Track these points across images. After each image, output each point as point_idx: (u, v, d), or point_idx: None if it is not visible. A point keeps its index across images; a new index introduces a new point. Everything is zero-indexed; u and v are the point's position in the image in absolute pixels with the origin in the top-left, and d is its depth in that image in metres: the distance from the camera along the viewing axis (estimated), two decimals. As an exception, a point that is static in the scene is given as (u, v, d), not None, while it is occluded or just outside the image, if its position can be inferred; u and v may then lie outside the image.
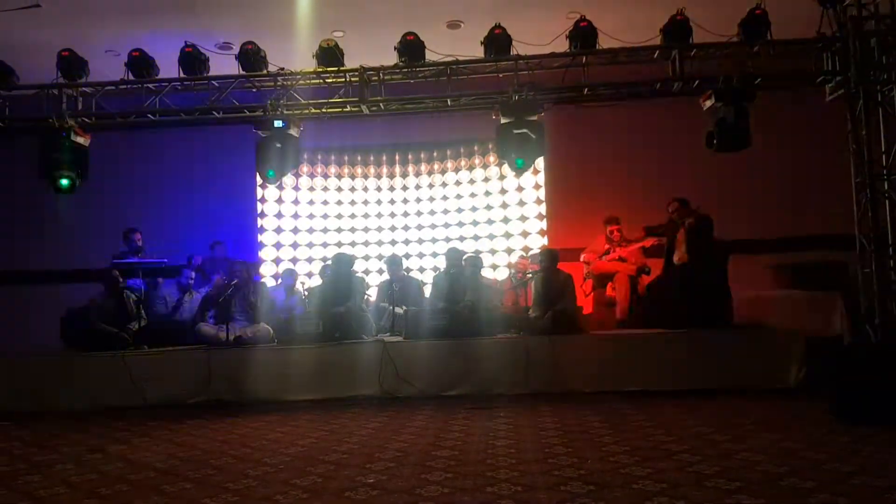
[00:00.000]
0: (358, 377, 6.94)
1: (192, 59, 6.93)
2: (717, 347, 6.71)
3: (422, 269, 10.32)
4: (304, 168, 10.48)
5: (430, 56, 7.14)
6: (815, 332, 7.21)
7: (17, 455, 4.79)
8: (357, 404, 6.53)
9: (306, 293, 8.87)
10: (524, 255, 9.68)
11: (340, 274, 8.09)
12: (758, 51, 6.79)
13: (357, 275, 8.64)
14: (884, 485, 3.37)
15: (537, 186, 10.16)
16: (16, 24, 7.22)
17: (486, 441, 4.60)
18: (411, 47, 6.93)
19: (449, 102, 7.19)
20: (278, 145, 6.89)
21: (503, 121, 6.91)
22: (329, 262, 8.82)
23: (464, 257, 8.52)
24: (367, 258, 10.51)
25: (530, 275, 7.95)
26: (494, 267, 10.22)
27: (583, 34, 6.75)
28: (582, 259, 8.55)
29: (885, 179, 6.56)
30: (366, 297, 8.72)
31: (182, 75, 7.02)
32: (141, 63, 7.02)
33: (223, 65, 7.23)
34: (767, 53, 6.77)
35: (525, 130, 6.71)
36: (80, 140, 6.98)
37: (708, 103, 6.80)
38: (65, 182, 6.88)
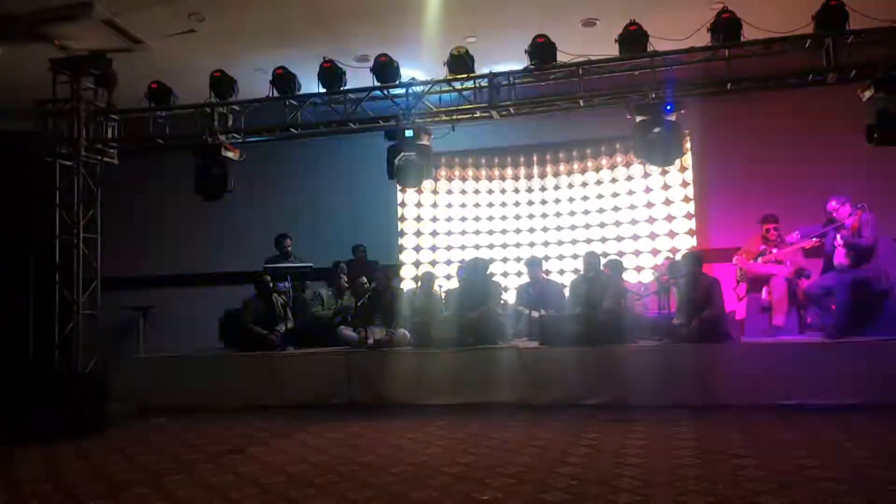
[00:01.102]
0: (492, 383, 6.92)
1: (330, 74, 7.19)
2: (885, 358, 6.06)
3: (562, 272, 10.12)
4: (443, 171, 10.60)
5: (562, 56, 6.96)
6: None
7: (167, 453, 5.18)
8: (491, 411, 6.52)
9: (444, 296, 8.96)
10: (670, 256, 9.23)
11: (476, 278, 8.10)
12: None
13: (493, 279, 8.60)
14: None
15: (685, 184, 9.65)
16: (174, 49, 7.84)
17: (615, 459, 4.40)
18: (542, 49, 6.78)
19: (581, 104, 6.97)
20: (410, 154, 7.01)
21: (638, 119, 6.62)
22: (464, 265, 8.88)
23: (604, 261, 8.28)
24: (505, 260, 10.46)
25: (672, 280, 7.55)
26: (639, 269, 9.84)
27: (725, 25, 6.30)
28: (734, 261, 8.01)
29: None
30: (502, 301, 8.67)
31: (321, 90, 7.30)
32: (284, 80, 7.38)
33: (359, 77, 7.45)
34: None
35: (662, 129, 6.40)
36: (229, 155, 7.47)
37: (867, 94, 6.13)
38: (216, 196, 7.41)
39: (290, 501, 3.73)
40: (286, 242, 9.35)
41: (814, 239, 7.28)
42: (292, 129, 7.58)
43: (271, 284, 8.37)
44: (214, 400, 7.33)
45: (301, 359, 7.62)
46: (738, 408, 6.06)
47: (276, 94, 7.47)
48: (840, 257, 6.67)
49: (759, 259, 7.76)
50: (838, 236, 6.70)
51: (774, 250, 7.70)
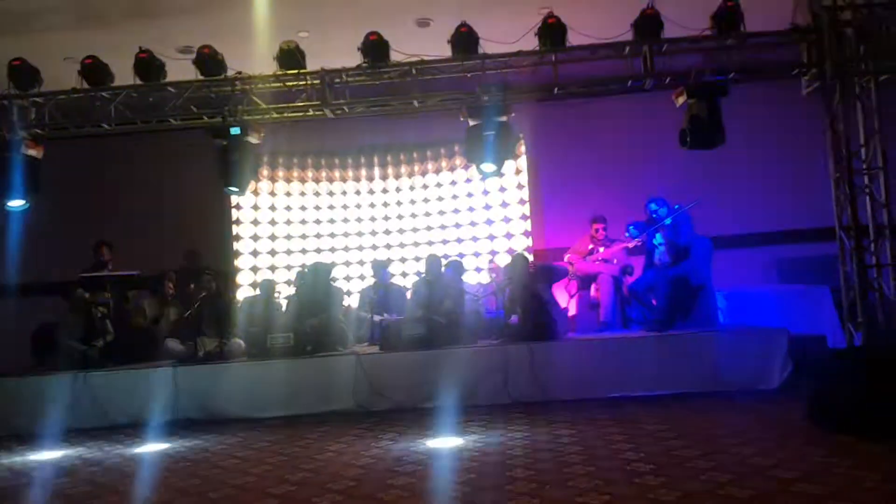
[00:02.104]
0: (331, 392, 6.73)
1: (148, 65, 6.68)
2: (699, 349, 6.49)
3: (404, 275, 10.05)
4: (280, 172, 10.21)
5: (397, 56, 6.88)
6: (803, 327, 7.02)
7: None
8: (329, 421, 6.29)
9: (284, 303, 8.63)
10: (491, 259, 9.38)
11: (318, 284, 7.83)
12: (731, 44, 6.51)
13: (335, 284, 8.35)
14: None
15: (520, 186, 9.86)
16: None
17: (449, 465, 4.34)
18: (375, 47, 6.66)
19: (416, 104, 6.92)
20: (236, 153, 6.65)
21: (471, 123, 6.66)
22: (304, 272, 8.58)
23: (444, 263, 8.29)
24: (347, 264, 10.24)
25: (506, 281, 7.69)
26: (479, 270, 9.94)
27: (552, 31, 6.47)
28: (566, 259, 8.28)
29: (865, 174, 6.30)
30: (345, 307, 8.47)
31: (137, 82, 6.76)
32: (95, 70, 6.76)
33: (181, 69, 6.97)
34: (741, 47, 6.50)
35: (493, 132, 6.46)
36: (31, 153, 6.73)
37: (681, 100, 6.54)
38: (15, 203, 6.65)
39: (88, 541, 3.35)
40: (102, 250, 8.61)
41: (636, 238, 7.65)
42: (104, 125, 6.96)
43: (87, 295, 7.65)
44: (23, 425, 6.61)
45: (122, 375, 7.00)
46: (570, 402, 6.21)
47: (86, 85, 6.82)
48: (660, 255, 7.06)
49: (588, 258, 8.08)
50: (658, 235, 7.08)
51: (602, 249, 8.04)
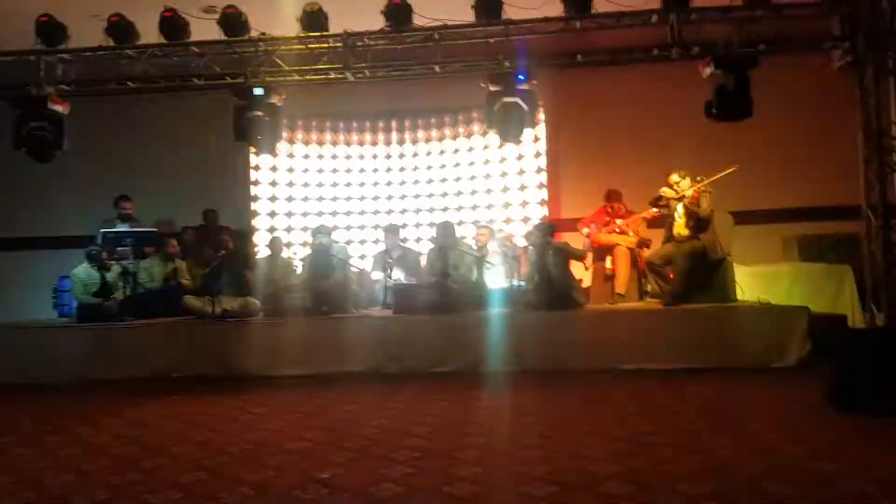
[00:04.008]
0: (345, 353, 6.83)
1: (172, 24, 6.66)
2: (717, 324, 6.50)
3: (418, 240, 10.07)
4: (299, 135, 10.21)
5: (418, 20, 6.81)
6: (823, 306, 6.99)
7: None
8: (342, 381, 6.39)
9: (300, 263, 8.70)
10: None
11: (321, 245, 7.88)
12: (761, 15, 6.37)
13: (337, 245, 8.34)
14: (869, 490, 3.13)
15: (538, 155, 9.80)
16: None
17: (460, 429, 4.41)
18: (397, 11, 6.59)
19: (437, 69, 6.87)
20: (258, 114, 6.65)
21: (492, 89, 6.61)
22: (319, 233, 8.63)
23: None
24: (363, 227, 10.27)
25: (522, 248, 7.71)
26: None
27: (578, -3, 6.38)
28: (583, 231, 8.26)
29: (895, 152, 6.19)
30: (360, 269, 8.54)
31: (162, 41, 6.75)
32: (120, 28, 6.75)
33: (205, 29, 6.93)
34: (771, 18, 6.36)
35: (515, 99, 6.41)
36: (57, 108, 6.77)
37: (707, 70, 6.45)
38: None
39: (110, 488, 3.43)
40: (126, 205, 8.72)
41: (654, 210, 7.58)
42: (129, 83, 6.97)
43: (104, 253, 7.72)
44: (45, 374, 6.79)
45: (141, 329, 7.15)
46: (581, 372, 6.26)
47: (111, 43, 6.82)
48: (679, 228, 7.02)
49: (604, 229, 8.05)
50: (679, 207, 7.04)
51: (618, 221, 8.02)
